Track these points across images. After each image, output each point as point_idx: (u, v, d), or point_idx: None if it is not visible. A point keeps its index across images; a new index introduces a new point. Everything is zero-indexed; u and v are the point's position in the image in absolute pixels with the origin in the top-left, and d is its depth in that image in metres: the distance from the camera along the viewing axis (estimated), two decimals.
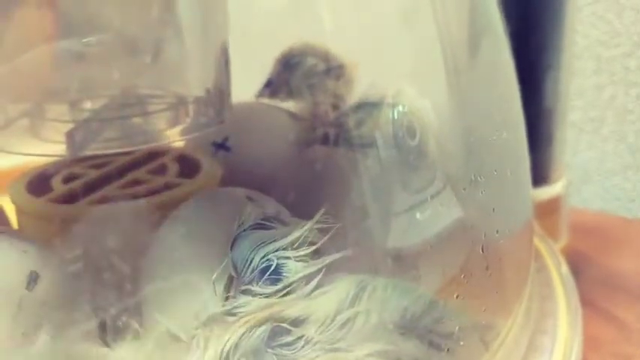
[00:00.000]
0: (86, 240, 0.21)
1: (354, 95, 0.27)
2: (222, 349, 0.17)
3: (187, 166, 0.27)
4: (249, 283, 0.19)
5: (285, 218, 0.21)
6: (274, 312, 0.18)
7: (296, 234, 0.19)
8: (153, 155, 0.27)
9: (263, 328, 0.18)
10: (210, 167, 0.26)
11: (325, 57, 0.27)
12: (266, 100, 0.28)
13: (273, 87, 0.28)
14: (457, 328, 0.20)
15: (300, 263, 0.19)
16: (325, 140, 0.26)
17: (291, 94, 0.28)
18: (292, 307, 0.18)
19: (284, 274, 0.19)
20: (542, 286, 0.29)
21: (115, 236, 0.21)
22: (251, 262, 0.19)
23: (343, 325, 0.18)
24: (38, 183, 0.26)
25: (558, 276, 0.30)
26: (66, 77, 0.23)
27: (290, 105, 0.28)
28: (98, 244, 0.20)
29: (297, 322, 0.18)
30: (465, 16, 0.26)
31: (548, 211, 0.37)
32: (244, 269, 0.19)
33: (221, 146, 0.26)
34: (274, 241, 0.19)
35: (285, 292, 0.19)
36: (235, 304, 0.18)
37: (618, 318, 0.34)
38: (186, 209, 0.22)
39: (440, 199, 0.23)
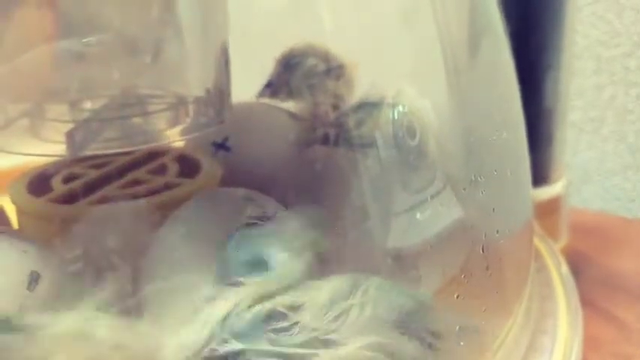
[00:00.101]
0: (86, 240, 0.21)
1: (355, 95, 0.27)
2: (210, 324, 0.17)
3: (187, 166, 0.27)
4: (237, 275, 0.19)
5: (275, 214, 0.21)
6: (268, 293, 0.18)
7: (283, 227, 0.19)
8: (153, 155, 0.27)
9: (258, 308, 0.18)
10: (211, 167, 0.26)
11: (325, 57, 0.27)
12: (266, 101, 0.28)
13: (273, 87, 0.28)
14: (451, 327, 0.20)
15: (286, 254, 0.19)
16: (325, 140, 0.26)
17: (291, 95, 0.28)
18: (287, 293, 0.18)
19: (271, 266, 0.19)
20: (543, 286, 0.29)
21: (115, 236, 0.21)
22: (238, 256, 0.19)
23: (338, 316, 0.18)
24: (38, 183, 0.26)
25: (558, 276, 0.30)
26: (66, 77, 0.23)
27: (290, 105, 0.28)
28: (98, 244, 0.20)
29: (292, 309, 0.18)
30: (465, 16, 0.26)
31: (548, 211, 0.37)
32: (232, 264, 0.19)
33: (221, 146, 0.26)
34: (261, 235, 0.19)
35: (274, 283, 0.19)
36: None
37: (618, 318, 0.34)
38: (187, 209, 0.22)
39: (440, 199, 0.23)
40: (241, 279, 0.18)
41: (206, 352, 0.17)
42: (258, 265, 0.19)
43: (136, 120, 0.24)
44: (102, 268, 0.20)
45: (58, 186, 0.25)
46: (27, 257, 0.20)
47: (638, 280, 0.37)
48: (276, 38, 0.27)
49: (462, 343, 0.20)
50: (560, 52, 0.36)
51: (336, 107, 0.27)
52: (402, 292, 0.19)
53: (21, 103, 0.23)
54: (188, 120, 0.24)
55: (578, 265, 0.35)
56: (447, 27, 0.24)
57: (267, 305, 0.18)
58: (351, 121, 0.25)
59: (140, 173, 0.26)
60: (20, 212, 0.25)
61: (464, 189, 0.24)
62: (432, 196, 0.23)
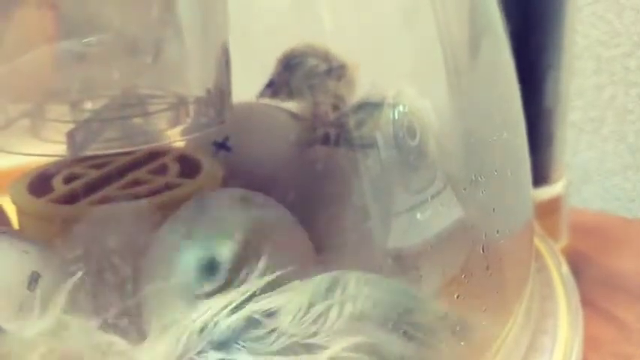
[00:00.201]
0: (87, 240, 0.21)
1: (355, 96, 0.27)
2: (183, 337, 0.17)
3: (188, 166, 0.27)
4: (188, 279, 0.18)
5: None
6: (245, 299, 0.18)
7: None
8: (153, 155, 0.27)
9: (235, 316, 0.17)
10: (211, 167, 0.26)
11: (326, 57, 0.27)
12: (267, 101, 0.28)
13: (274, 87, 0.28)
14: (433, 320, 0.19)
15: (232, 253, 0.19)
16: (326, 140, 0.26)
17: (291, 95, 0.28)
18: (265, 298, 0.18)
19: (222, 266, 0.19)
20: (543, 286, 0.29)
21: (115, 236, 0.21)
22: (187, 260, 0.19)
23: (317, 318, 0.18)
24: (39, 183, 0.26)
25: (559, 276, 0.30)
26: (66, 77, 0.23)
27: (291, 105, 0.28)
28: (99, 245, 0.20)
29: (269, 314, 0.17)
30: (465, 16, 0.26)
31: (548, 211, 0.37)
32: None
33: (222, 146, 0.26)
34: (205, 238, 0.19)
35: (225, 284, 0.18)
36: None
37: (618, 318, 0.34)
38: (187, 209, 0.22)
39: (440, 199, 0.23)
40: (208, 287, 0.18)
41: None
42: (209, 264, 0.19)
43: (137, 120, 0.24)
44: (102, 268, 0.20)
45: (58, 186, 0.25)
46: (27, 257, 0.20)
47: (638, 280, 0.37)
48: (277, 38, 0.27)
49: (440, 336, 0.20)
50: (560, 52, 0.36)
51: (336, 107, 0.27)
52: (384, 285, 0.19)
53: (21, 104, 0.23)
54: (189, 120, 0.24)
55: (578, 265, 0.35)
56: (447, 27, 0.24)
57: (245, 312, 0.17)
58: (351, 122, 0.25)
59: (141, 173, 0.26)
60: (21, 212, 0.25)
61: (464, 189, 0.24)
62: (433, 196, 0.23)
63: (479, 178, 0.24)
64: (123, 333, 0.18)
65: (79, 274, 0.19)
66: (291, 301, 0.18)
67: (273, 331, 0.17)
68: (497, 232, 0.24)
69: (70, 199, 0.25)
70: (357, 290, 0.18)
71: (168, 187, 0.25)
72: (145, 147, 0.26)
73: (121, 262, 0.20)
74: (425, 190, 0.23)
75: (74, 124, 0.22)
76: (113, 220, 0.22)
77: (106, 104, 0.23)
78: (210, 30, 0.25)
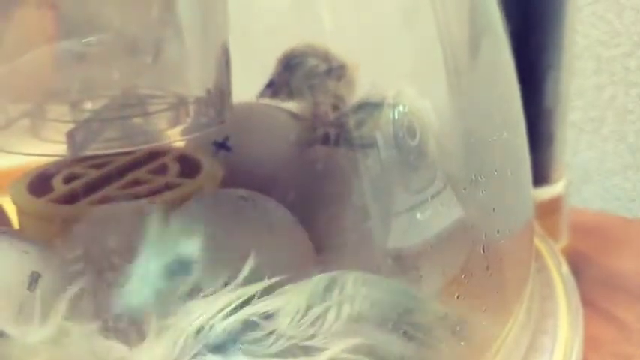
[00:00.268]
0: (87, 240, 0.21)
1: (355, 96, 0.27)
2: (180, 339, 0.17)
3: (188, 166, 0.27)
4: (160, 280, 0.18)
5: None
6: (243, 301, 0.17)
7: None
8: (153, 155, 0.27)
9: (232, 318, 0.17)
10: (211, 167, 0.26)
11: (326, 57, 0.27)
12: (267, 101, 0.28)
13: (274, 87, 0.28)
14: (433, 320, 0.19)
15: (196, 253, 0.19)
16: (326, 140, 0.26)
17: (291, 95, 0.28)
18: (262, 300, 0.18)
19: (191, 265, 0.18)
20: (543, 286, 0.29)
21: (115, 236, 0.21)
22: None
23: (315, 320, 0.17)
24: (39, 183, 0.26)
25: (559, 276, 0.30)
26: (66, 78, 0.23)
27: (291, 105, 0.28)
28: (99, 245, 0.20)
29: (267, 316, 0.17)
30: (465, 16, 0.26)
31: (548, 211, 0.37)
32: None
33: (222, 146, 0.26)
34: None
35: (194, 284, 0.18)
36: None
37: (618, 318, 0.34)
38: (187, 209, 0.22)
39: (440, 199, 0.23)
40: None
41: None
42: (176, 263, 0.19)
43: (137, 120, 0.24)
44: (102, 268, 0.20)
45: (58, 186, 0.25)
46: (27, 257, 0.20)
47: (638, 280, 0.37)
48: (277, 38, 0.27)
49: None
50: (560, 52, 0.36)
51: (336, 107, 0.27)
52: (383, 285, 0.19)
53: (22, 104, 0.23)
54: (189, 120, 0.24)
55: (578, 265, 0.35)
56: (447, 27, 0.24)
57: (242, 315, 0.17)
58: (351, 122, 0.25)
59: (141, 173, 0.26)
60: (21, 212, 0.25)
61: (464, 189, 0.24)
62: (433, 196, 0.23)
63: (479, 178, 0.24)
64: (123, 334, 0.18)
65: (79, 283, 0.18)
66: (288, 303, 0.18)
67: (271, 333, 0.17)
68: (498, 232, 0.24)
69: (70, 199, 0.25)
70: (355, 290, 0.18)
71: (168, 187, 0.25)
72: (145, 147, 0.26)
73: (121, 261, 0.20)
74: (425, 190, 0.23)
75: (74, 124, 0.22)
76: (113, 220, 0.22)
77: (106, 104, 0.23)
78: (210, 30, 0.25)
